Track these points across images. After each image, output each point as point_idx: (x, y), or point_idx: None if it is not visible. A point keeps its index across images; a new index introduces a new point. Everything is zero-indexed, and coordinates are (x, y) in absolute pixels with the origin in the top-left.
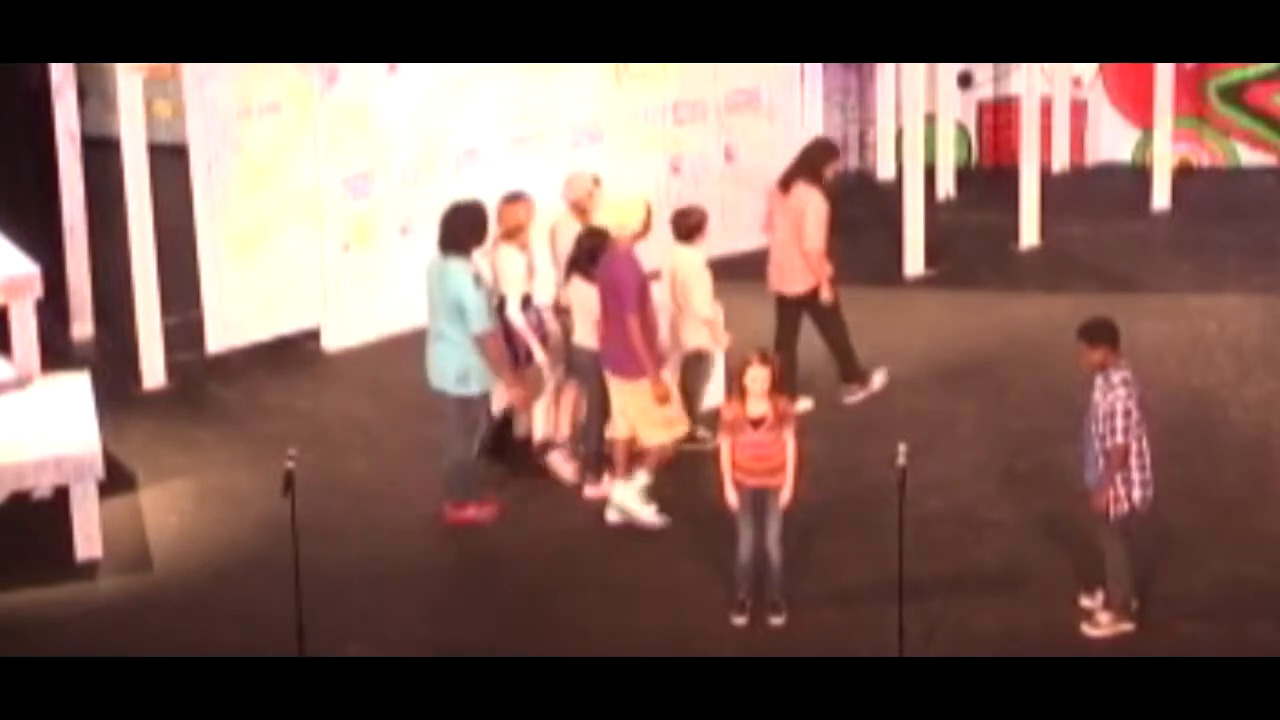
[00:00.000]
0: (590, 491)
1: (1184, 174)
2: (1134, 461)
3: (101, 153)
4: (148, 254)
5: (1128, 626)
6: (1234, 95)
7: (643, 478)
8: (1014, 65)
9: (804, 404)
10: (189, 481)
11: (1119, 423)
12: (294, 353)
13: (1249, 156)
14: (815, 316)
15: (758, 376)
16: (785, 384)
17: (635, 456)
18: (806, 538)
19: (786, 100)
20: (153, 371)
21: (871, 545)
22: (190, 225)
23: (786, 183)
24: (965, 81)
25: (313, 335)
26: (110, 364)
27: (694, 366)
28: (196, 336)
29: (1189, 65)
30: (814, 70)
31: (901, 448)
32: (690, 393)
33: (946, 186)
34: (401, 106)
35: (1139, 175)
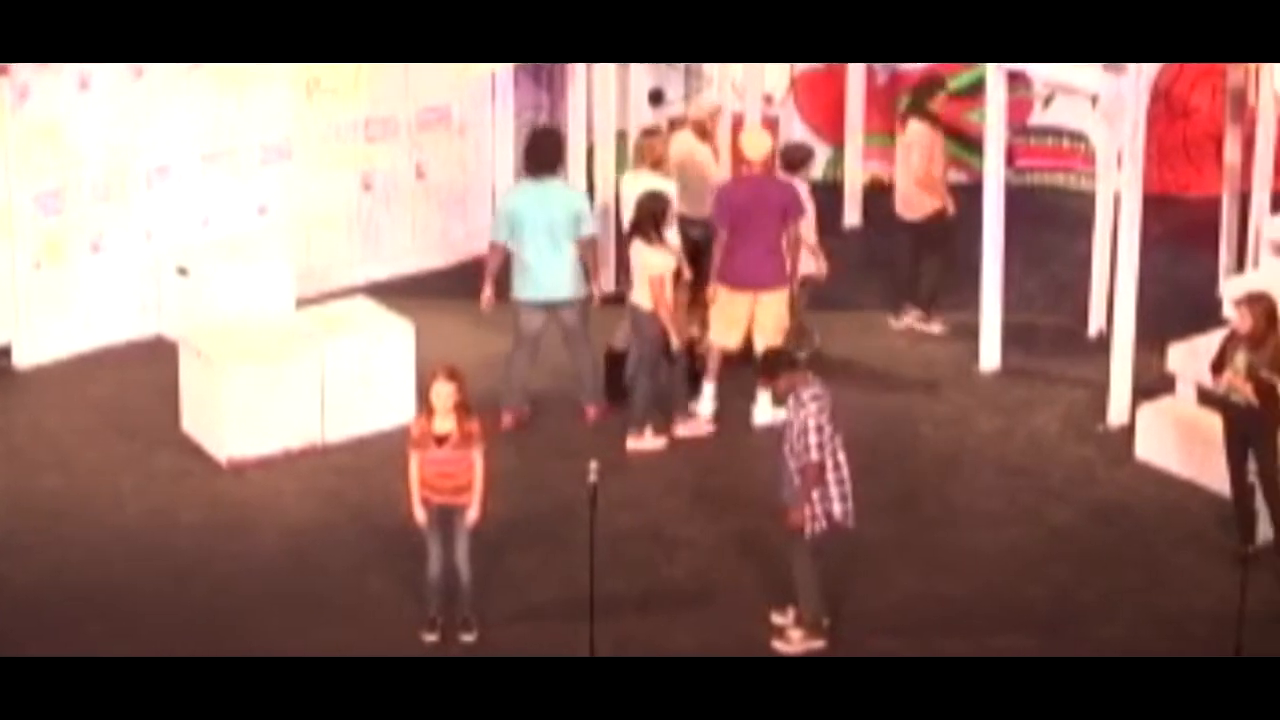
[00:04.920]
0: (633, 444)
1: (875, 191)
2: (831, 477)
3: None
4: None
5: (819, 643)
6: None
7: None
8: (705, 82)
9: (936, 327)
10: None
11: (811, 439)
12: None
13: None
14: (930, 242)
15: (443, 392)
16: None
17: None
18: (497, 554)
19: (478, 117)
20: None
21: (563, 562)
22: None
23: (903, 120)
24: (657, 98)
25: (4, 352)
26: None
27: (806, 292)
28: None
29: (880, 82)
30: (505, 87)
31: (593, 464)
32: (801, 316)
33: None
34: (93, 123)
35: (830, 192)
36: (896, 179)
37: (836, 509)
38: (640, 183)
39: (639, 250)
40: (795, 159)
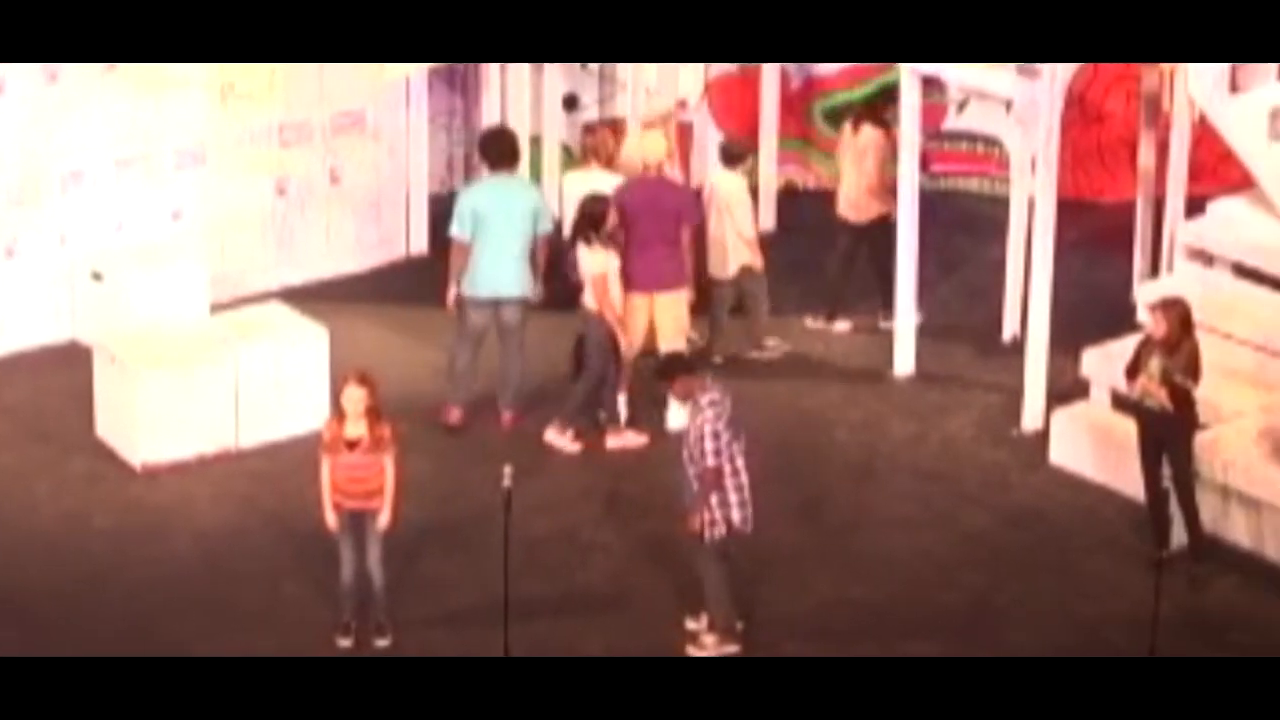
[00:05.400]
0: (613, 442)
1: (789, 196)
2: (729, 483)
3: None
4: None
5: (733, 648)
6: (838, 118)
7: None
8: (619, 87)
9: (841, 325)
10: None
11: (708, 445)
12: None
13: None
14: (874, 244)
15: (354, 397)
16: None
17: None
18: (413, 559)
19: (392, 122)
20: None
21: (478, 566)
22: None
23: (855, 124)
24: (571, 104)
25: None
26: None
27: (749, 283)
28: None
29: (794, 87)
30: (419, 91)
31: (507, 469)
32: (752, 307)
33: (553, 208)
34: (6, 128)
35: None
36: (843, 182)
37: (736, 515)
38: (589, 181)
39: (581, 253)
40: (733, 154)
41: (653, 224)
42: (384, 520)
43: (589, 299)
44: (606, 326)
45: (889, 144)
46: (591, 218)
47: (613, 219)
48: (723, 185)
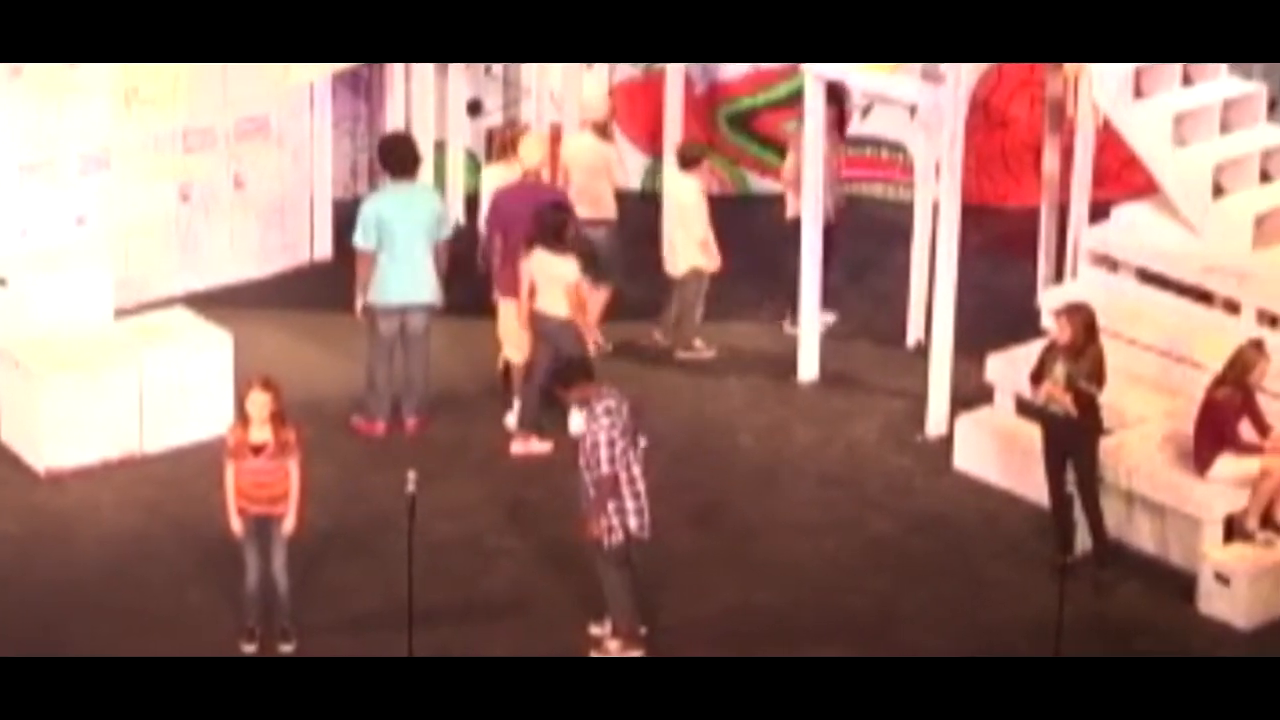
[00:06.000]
0: (518, 447)
1: None
2: (626, 490)
3: None
4: None
5: (637, 654)
6: (743, 123)
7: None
8: (523, 93)
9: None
10: None
11: (603, 454)
12: None
13: (758, 184)
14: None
15: (258, 402)
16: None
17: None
18: (317, 565)
19: (297, 127)
20: None
21: (382, 572)
22: None
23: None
24: (475, 109)
25: None
26: None
27: (692, 284)
28: None
29: (698, 93)
30: (324, 97)
31: (411, 475)
32: (689, 308)
33: (457, 213)
34: None
35: (650, 202)
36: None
37: (633, 522)
38: (509, 175)
39: (546, 261)
40: (689, 157)
41: (528, 228)
42: (289, 525)
43: (549, 305)
44: (576, 331)
45: (828, 144)
46: (553, 228)
47: (574, 225)
48: (676, 188)
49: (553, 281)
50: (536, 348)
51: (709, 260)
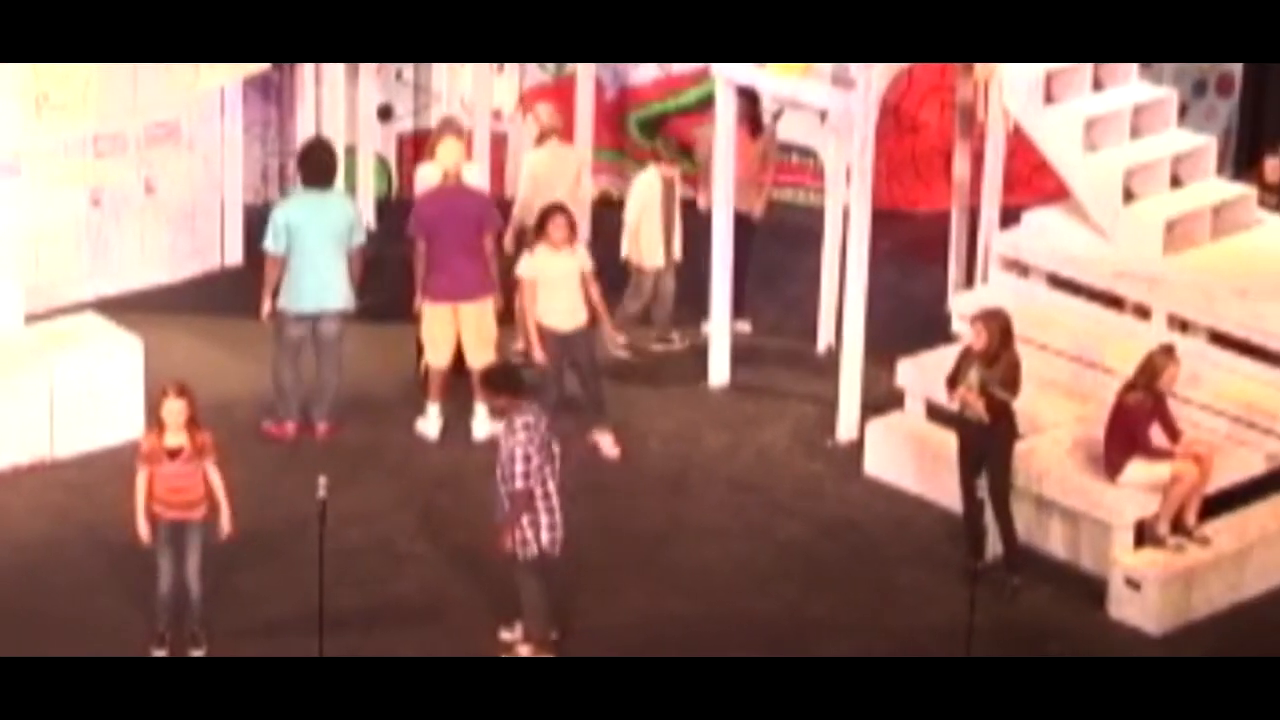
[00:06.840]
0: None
1: (606, 206)
2: (540, 505)
3: None
4: None
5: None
6: (654, 128)
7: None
8: (434, 98)
9: (743, 326)
10: None
11: (518, 468)
12: None
13: None
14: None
15: (174, 409)
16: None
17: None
18: (226, 570)
19: (207, 132)
20: None
21: (293, 577)
22: None
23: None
24: (385, 114)
25: None
26: None
27: (664, 280)
28: None
29: (609, 98)
30: (234, 102)
31: (322, 479)
32: (662, 301)
33: (368, 218)
34: None
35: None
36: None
37: (545, 537)
38: (437, 174)
39: (548, 261)
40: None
41: (453, 233)
42: (225, 526)
43: (561, 318)
44: (596, 335)
45: (753, 145)
46: (538, 226)
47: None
48: (640, 187)
49: (564, 279)
50: (534, 356)
51: (636, 252)
